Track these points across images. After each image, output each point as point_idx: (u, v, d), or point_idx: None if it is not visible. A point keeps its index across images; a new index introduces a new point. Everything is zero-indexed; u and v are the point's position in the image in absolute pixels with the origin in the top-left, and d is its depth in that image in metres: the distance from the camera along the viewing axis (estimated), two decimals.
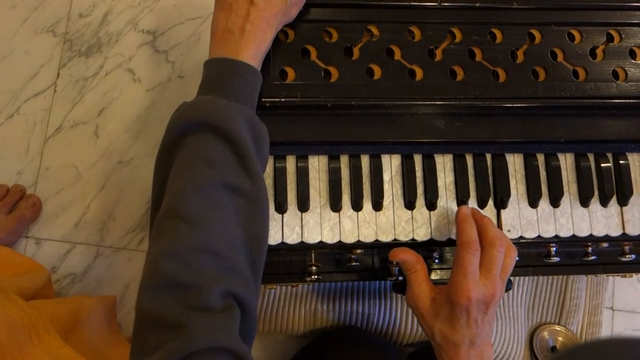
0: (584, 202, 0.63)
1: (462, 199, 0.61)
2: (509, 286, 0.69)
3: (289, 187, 0.60)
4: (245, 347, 0.43)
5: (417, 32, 0.63)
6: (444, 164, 0.62)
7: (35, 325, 0.59)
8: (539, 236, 0.62)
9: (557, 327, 0.90)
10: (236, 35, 0.53)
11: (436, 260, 0.65)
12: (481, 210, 0.62)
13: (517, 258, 0.57)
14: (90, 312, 0.77)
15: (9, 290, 0.64)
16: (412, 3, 0.63)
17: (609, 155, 0.64)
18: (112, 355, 0.78)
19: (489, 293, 0.54)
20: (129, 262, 0.92)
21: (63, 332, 0.67)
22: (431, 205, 0.61)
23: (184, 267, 0.44)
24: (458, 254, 0.55)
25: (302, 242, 0.60)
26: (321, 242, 0.60)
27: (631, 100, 0.62)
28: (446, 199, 0.62)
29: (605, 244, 0.64)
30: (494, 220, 0.61)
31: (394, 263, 0.63)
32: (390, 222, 0.61)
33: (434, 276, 0.64)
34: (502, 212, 0.62)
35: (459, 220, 0.57)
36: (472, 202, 0.62)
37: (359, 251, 0.62)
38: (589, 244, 0.64)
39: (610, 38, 0.64)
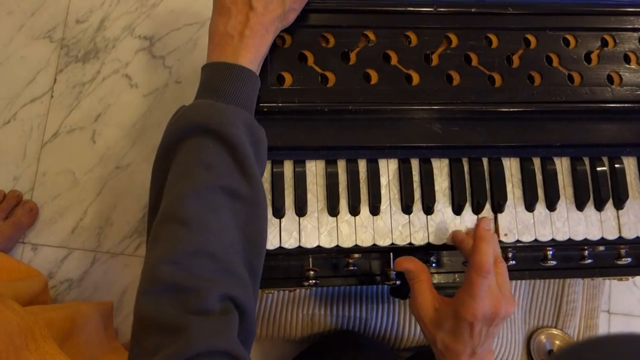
0: (580, 205, 0.63)
1: (459, 203, 0.61)
2: None
3: (286, 192, 0.60)
4: (244, 351, 0.43)
5: (413, 37, 0.63)
6: (441, 169, 0.63)
7: (32, 330, 0.59)
8: (535, 240, 0.62)
9: (554, 331, 0.91)
10: (235, 39, 0.53)
11: (433, 264, 0.65)
12: (478, 215, 0.62)
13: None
14: (87, 318, 0.76)
15: (5, 296, 0.64)
16: (408, 8, 0.63)
17: (605, 159, 0.64)
18: None
19: (494, 310, 0.53)
20: (126, 267, 0.92)
21: (59, 338, 0.66)
22: (428, 209, 0.61)
23: (182, 270, 0.44)
24: (469, 275, 0.53)
25: (299, 247, 0.60)
26: (319, 246, 0.60)
27: (626, 105, 0.63)
28: (443, 203, 0.62)
29: (601, 248, 0.65)
30: (491, 225, 0.61)
31: (392, 267, 0.63)
32: (388, 226, 0.61)
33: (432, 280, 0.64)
34: (499, 216, 0.62)
35: (477, 237, 0.55)
36: (469, 207, 0.62)
37: (356, 256, 0.63)
38: (585, 247, 0.64)
39: (604, 43, 0.65)
